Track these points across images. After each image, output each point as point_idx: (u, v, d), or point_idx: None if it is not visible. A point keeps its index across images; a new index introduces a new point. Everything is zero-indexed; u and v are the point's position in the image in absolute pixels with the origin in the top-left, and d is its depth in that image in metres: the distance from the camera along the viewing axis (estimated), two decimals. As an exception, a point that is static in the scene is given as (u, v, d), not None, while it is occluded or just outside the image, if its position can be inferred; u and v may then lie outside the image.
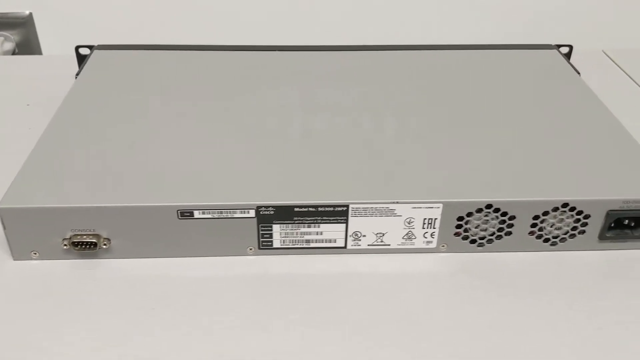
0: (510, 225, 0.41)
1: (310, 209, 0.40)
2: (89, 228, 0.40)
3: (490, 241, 0.42)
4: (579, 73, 0.57)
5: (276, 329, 0.37)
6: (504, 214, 0.41)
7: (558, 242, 0.42)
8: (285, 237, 0.41)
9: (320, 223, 0.41)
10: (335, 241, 0.42)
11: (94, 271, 0.40)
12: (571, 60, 0.66)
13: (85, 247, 0.40)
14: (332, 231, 0.41)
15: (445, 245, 0.42)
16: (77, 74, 0.55)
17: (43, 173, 0.42)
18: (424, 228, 0.41)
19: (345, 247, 0.42)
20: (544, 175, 0.42)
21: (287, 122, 0.48)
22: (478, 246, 0.42)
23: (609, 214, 0.41)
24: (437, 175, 0.42)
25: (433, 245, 0.42)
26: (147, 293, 0.39)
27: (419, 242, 0.42)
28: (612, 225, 0.42)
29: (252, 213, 0.40)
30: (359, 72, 0.56)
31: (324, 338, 0.36)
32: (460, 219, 0.41)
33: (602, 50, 0.74)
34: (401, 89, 0.53)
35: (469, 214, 0.41)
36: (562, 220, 0.41)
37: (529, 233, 0.42)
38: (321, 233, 0.41)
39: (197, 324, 0.37)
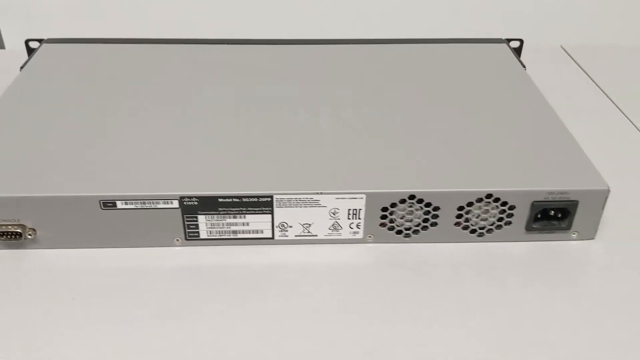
0: (435, 216, 0.41)
1: (235, 200, 0.40)
2: (14, 218, 0.40)
3: (416, 232, 0.42)
4: (524, 67, 0.57)
5: (198, 319, 0.37)
6: (428, 204, 0.41)
7: (485, 233, 0.42)
8: (211, 227, 0.41)
9: (246, 214, 0.41)
10: (262, 232, 0.42)
11: (19, 261, 0.40)
12: (528, 55, 0.66)
13: (10, 237, 0.40)
14: (258, 222, 0.41)
15: (372, 236, 0.42)
16: (22, 67, 0.56)
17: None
18: (349, 219, 0.41)
19: (272, 237, 0.42)
20: (470, 167, 0.42)
21: (215, 114, 0.48)
22: (405, 237, 0.42)
23: (533, 204, 0.41)
24: (362, 166, 0.42)
25: (360, 236, 0.42)
26: (69, 284, 0.39)
27: (345, 233, 0.42)
28: (539, 216, 0.42)
29: (175, 203, 0.40)
30: (304, 65, 0.56)
31: (246, 329, 0.36)
32: (384, 209, 0.41)
33: (561, 46, 0.74)
34: (343, 82, 0.53)
35: (393, 205, 0.41)
36: (487, 211, 0.41)
37: (455, 224, 0.42)
38: (247, 224, 0.41)
39: (116, 315, 0.37)
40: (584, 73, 0.67)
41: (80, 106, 0.49)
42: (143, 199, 0.39)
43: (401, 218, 0.42)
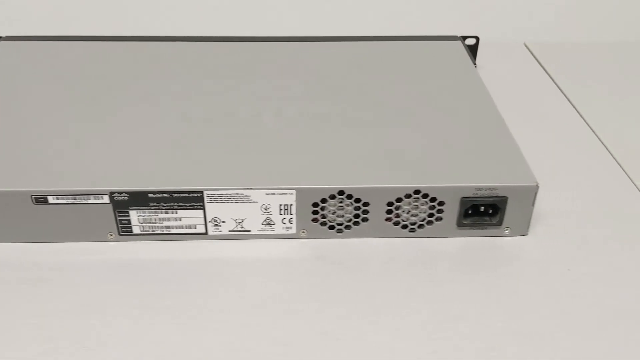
0: (366, 212, 0.42)
1: (165, 195, 0.40)
2: (-55, 213, 0.41)
3: (348, 227, 0.42)
4: (475, 64, 0.58)
5: (122, 313, 0.37)
6: (357, 200, 0.41)
7: (416, 228, 0.43)
8: (144, 223, 0.42)
9: (178, 209, 0.41)
10: (195, 227, 0.42)
11: (-47, 255, 0.41)
12: (490, 52, 0.66)
13: (-55, 231, 0.41)
14: (190, 217, 0.42)
15: (305, 231, 0.43)
16: (-24, 65, 0.56)
17: None
18: (281, 214, 0.42)
19: (206, 233, 0.42)
20: (400, 163, 0.43)
21: (149, 110, 0.49)
22: (337, 232, 0.43)
23: (462, 200, 0.41)
24: (293, 162, 0.43)
25: (293, 231, 0.43)
26: (3, 278, 0.39)
27: (278, 228, 0.42)
28: (470, 212, 0.42)
29: (106, 199, 0.40)
30: (252, 62, 0.56)
31: (169, 323, 0.37)
32: (315, 205, 0.41)
33: (524, 43, 0.75)
34: (291, 79, 0.53)
35: (324, 201, 0.41)
36: (417, 207, 0.42)
37: (386, 220, 0.42)
38: (180, 219, 0.42)
39: (43, 308, 0.37)
40: (543, 71, 0.68)
41: (22, 102, 0.49)
42: (74, 194, 0.40)
43: (332, 213, 0.42)
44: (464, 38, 0.62)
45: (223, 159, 0.43)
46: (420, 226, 0.43)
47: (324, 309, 0.38)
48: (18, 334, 0.36)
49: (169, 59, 0.57)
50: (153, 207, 0.41)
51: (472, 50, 0.63)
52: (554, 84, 0.65)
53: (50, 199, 0.40)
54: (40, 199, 0.40)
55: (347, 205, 0.41)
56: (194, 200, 0.41)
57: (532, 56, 0.71)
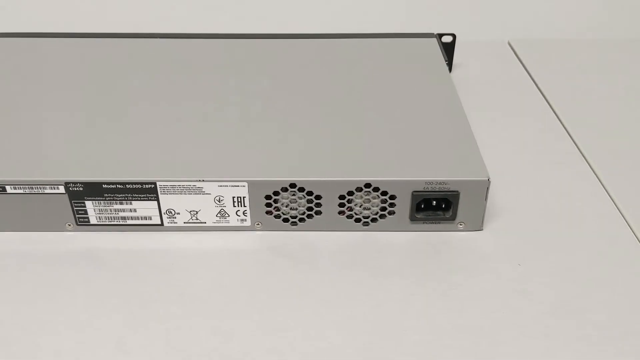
0: (319, 205, 0.42)
1: (119, 186, 0.41)
2: None
3: (302, 220, 0.43)
4: (447, 61, 0.58)
5: (72, 302, 0.38)
6: (310, 193, 0.41)
7: (370, 222, 0.43)
8: (100, 213, 0.42)
9: (132, 200, 0.42)
10: (151, 218, 0.43)
11: None
12: (470, 50, 0.66)
13: None
14: (145, 208, 0.42)
15: (260, 224, 0.43)
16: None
17: None
18: (235, 206, 0.42)
19: (162, 224, 0.43)
20: (352, 157, 0.43)
21: (105, 102, 0.49)
22: (292, 225, 0.43)
23: (413, 194, 0.41)
24: (246, 155, 0.43)
25: (247, 223, 0.43)
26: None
27: (233, 220, 0.43)
28: (423, 206, 0.42)
29: (61, 189, 0.41)
30: (226, 58, 0.57)
31: (120, 312, 0.37)
32: (268, 197, 0.42)
33: (508, 41, 0.74)
34: (259, 74, 0.54)
35: (276, 193, 0.42)
36: (369, 200, 0.42)
37: (339, 213, 0.42)
38: (135, 210, 0.42)
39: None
40: (523, 69, 0.67)
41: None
42: (31, 184, 0.41)
43: (286, 206, 0.42)
44: (441, 35, 0.62)
45: (177, 151, 0.44)
46: (374, 220, 0.43)
47: (269, 300, 0.38)
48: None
49: (141, 54, 0.58)
50: (108, 198, 0.42)
51: (450, 47, 0.63)
52: (532, 82, 0.65)
53: (9, 189, 0.41)
54: (-2, 189, 0.41)
55: (300, 198, 0.42)
56: (147, 191, 0.41)
57: (514, 54, 0.71)
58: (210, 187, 0.41)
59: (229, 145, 0.44)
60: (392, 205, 0.42)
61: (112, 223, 0.43)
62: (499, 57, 0.70)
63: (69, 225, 0.43)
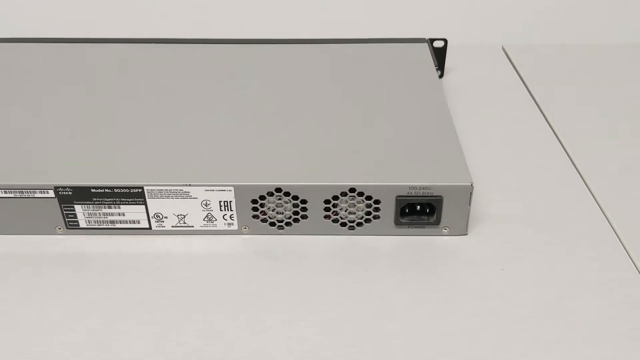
0: (305, 209, 0.42)
1: (107, 190, 0.42)
2: None
3: (289, 224, 0.43)
4: (437, 66, 0.58)
5: (60, 304, 0.39)
6: (295, 197, 0.42)
7: (355, 226, 0.43)
8: (89, 217, 0.43)
9: (120, 204, 0.42)
10: (139, 222, 0.43)
11: None
12: (463, 55, 0.67)
13: None
14: (133, 212, 0.43)
15: (247, 228, 0.44)
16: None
17: None
18: (221, 210, 0.43)
19: (150, 228, 0.44)
20: (337, 162, 0.43)
21: (97, 107, 0.50)
22: (278, 229, 0.43)
23: (397, 199, 0.42)
24: (232, 159, 0.44)
25: (234, 227, 0.44)
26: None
27: (220, 224, 0.43)
28: (407, 210, 0.43)
29: (51, 193, 0.42)
30: (219, 64, 0.58)
31: (106, 315, 0.38)
32: (255, 202, 0.42)
33: (502, 46, 0.75)
34: (247, 81, 0.55)
35: (262, 197, 0.42)
36: (354, 205, 0.42)
37: (325, 217, 0.43)
38: (123, 214, 0.43)
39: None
40: (516, 74, 0.68)
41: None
42: (21, 188, 0.42)
43: (272, 210, 0.43)
44: (432, 40, 0.63)
45: (164, 156, 0.44)
46: (359, 224, 0.43)
47: (256, 303, 0.39)
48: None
49: (125, 59, 0.59)
50: (96, 202, 0.42)
51: (441, 52, 0.64)
52: (524, 87, 0.65)
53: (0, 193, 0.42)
54: (-11, 193, 0.42)
55: (286, 203, 0.42)
56: (135, 195, 0.42)
57: (507, 59, 0.71)
58: (197, 192, 0.42)
59: (216, 150, 0.45)
60: (376, 209, 0.42)
61: (102, 227, 0.43)
62: (492, 62, 0.70)
63: (59, 228, 0.43)
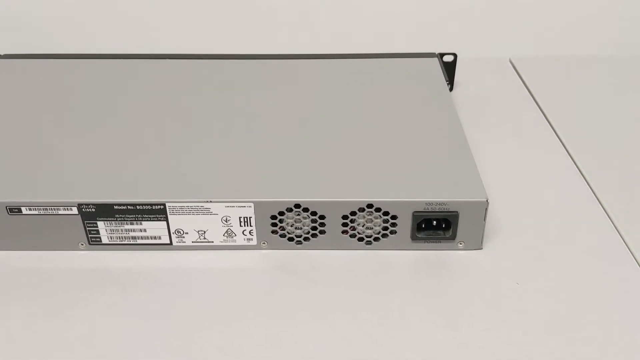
0: (323, 225, 0.43)
1: (129, 207, 0.43)
2: None
3: (307, 239, 0.44)
4: (448, 81, 0.59)
5: (84, 318, 0.39)
6: (314, 213, 0.43)
7: (372, 241, 0.44)
8: (111, 233, 0.44)
9: (142, 221, 0.43)
10: (160, 238, 0.44)
11: None
12: (472, 68, 0.68)
13: None
14: (155, 228, 0.44)
15: (266, 243, 0.44)
16: (-27, 82, 0.60)
17: None
18: (241, 226, 0.44)
19: (171, 243, 0.44)
20: (355, 177, 0.44)
21: (118, 125, 0.51)
22: (297, 244, 0.44)
23: (414, 215, 0.43)
24: (252, 176, 0.45)
25: (254, 242, 0.44)
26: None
27: (240, 240, 0.44)
28: (423, 226, 0.44)
29: (74, 210, 0.43)
30: (229, 79, 0.59)
31: (129, 326, 0.39)
32: (274, 217, 0.43)
33: (509, 59, 0.75)
34: (261, 96, 0.56)
35: (281, 213, 0.43)
36: (371, 220, 0.43)
37: (343, 232, 0.44)
38: (145, 230, 0.44)
39: (15, 312, 0.40)
40: (524, 87, 0.68)
41: (4, 119, 0.52)
42: (45, 206, 0.43)
43: (291, 226, 0.44)
44: (442, 55, 0.64)
45: (185, 172, 0.45)
46: (376, 239, 0.44)
47: (275, 317, 0.39)
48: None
49: (148, 76, 0.60)
50: (119, 219, 0.43)
51: (451, 67, 0.65)
52: (532, 100, 0.66)
53: (24, 210, 0.43)
54: (14, 210, 0.43)
55: (305, 218, 0.43)
56: (157, 212, 0.43)
57: (515, 72, 0.72)
58: (218, 208, 0.43)
59: (235, 167, 0.46)
60: (393, 225, 0.43)
61: (123, 242, 0.44)
62: (500, 75, 0.71)
63: (82, 244, 0.44)
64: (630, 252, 0.44)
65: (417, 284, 0.42)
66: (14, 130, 0.51)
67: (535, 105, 0.65)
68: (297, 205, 0.43)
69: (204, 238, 0.44)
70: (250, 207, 0.43)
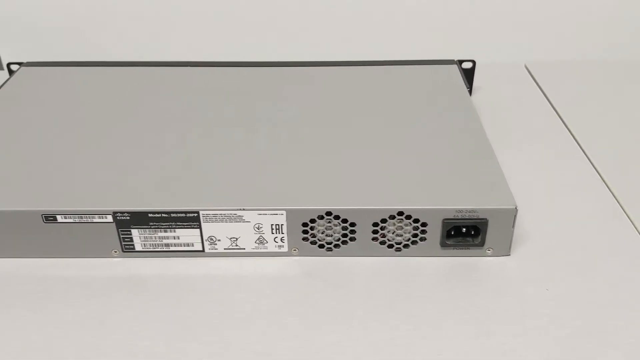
0: (353, 232, 0.44)
1: (164, 215, 0.43)
2: (-34, 229, 0.44)
3: (337, 246, 0.45)
4: (469, 88, 0.60)
5: (121, 324, 0.40)
6: (345, 220, 0.43)
7: (402, 248, 0.45)
8: (145, 240, 0.44)
9: (176, 228, 0.44)
10: (193, 245, 0.45)
11: (-29, 269, 0.45)
12: (488, 74, 0.68)
13: (-37, 246, 0.44)
14: (188, 236, 0.44)
15: (296, 250, 0.45)
16: (-2, 89, 0.60)
17: None
18: (273, 233, 0.44)
19: (203, 250, 0.45)
20: (385, 185, 0.45)
21: (150, 133, 0.52)
22: (327, 250, 0.45)
23: (444, 222, 0.43)
24: (283, 184, 0.45)
25: (285, 249, 0.45)
26: (13, 290, 0.43)
27: (271, 247, 0.45)
28: (452, 233, 0.44)
29: (109, 218, 0.43)
30: (251, 86, 0.60)
31: (161, 332, 0.39)
32: (305, 225, 0.44)
33: (525, 64, 0.76)
34: (284, 103, 0.56)
35: (313, 221, 0.44)
36: (401, 227, 0.44)
37: (373, 239, 0.44)
38: (178, 237, 0.44)
39: (50, 319, 0.40)
40: (540, 92, 0.69)
41: (35, 126, 0.53)
42: (80, 214, 0.43)
43: (322, 233, 0.44)
44: (461, 62, 0.64)
45: (218, 180, 0.46)
46: (406, 246, 0.45)
47: (307, 324, 0.40)
48: (23, 344, 0.39)
49: (173, 83, 0.60)
50: (153, 226, 0.44)
51: (470, 73, 0.65)
52: (549, 105, 0.67)
53: (59, 218, 0.43)
54: (49, 218, 0.43)
55: (335, 226, 0.44)
56: (190, 220, 0.44)
57: (530, 77, 0.73)
58: (250, 216, 0.44)
59: (267, 175, 0.46)
60: (423, 232, 0.44)
61: (156, 250, 0.45)
62: (516, 80, 0.72)
63: (115, 251, 0.45)
64: (656, 257, 0.45)
65: (448, 291, 0.43)
66: (45, 138, 0.51)
67: (553, 110, 0.66)
68: (329, 213, 0.43)
69: (236, 245, 0.45)
70: (283, 214, 0.43)
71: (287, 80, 0.61)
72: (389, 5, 0.81)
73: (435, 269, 0.44)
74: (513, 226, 0.43)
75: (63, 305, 0.42)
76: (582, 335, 0.39)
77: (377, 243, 0.44)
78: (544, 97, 0.68)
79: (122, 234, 0.44)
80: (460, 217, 0.43)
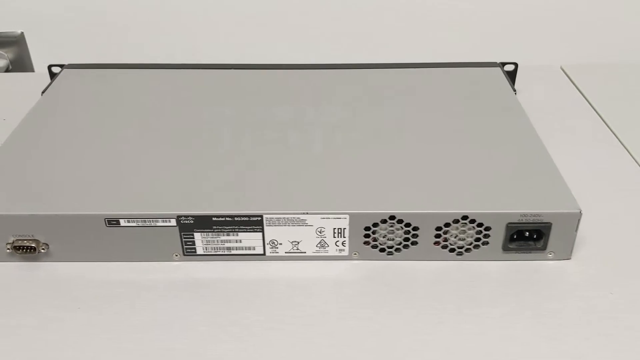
0: (415, 236, 0.44)
1: (227, 219, 0.43)
2: (29, 234, 0.44)
3: (398, 250, 0.45)
4: (515, 90, 0.60)
5: (186, 328, 0.40)
6: (407, 224, 0.44)
7: (463, 252, 0.45)
8: (207, 244, 0.44)
9: (238, 232, 0.44)
10: (254, 249, 0.45)
11: (33, 273, 0.44)
12: (527, 77, 0.68)
13: (25, 250, 0.44)
14: (250, 239, 0.44)
15: (357, 253, 0.45)
16: (43, 91, 0.60)
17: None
18: (334, 237, 0.44)
19: (264, 254, 0.45)
20: (448, 189, 0.45)
21: (212, 137, 0.52)
22: (388, 254, 0.45)
23: (508, 226, 0.43)
24: (346, 188, 0.45)
25: (345, 253, 0.45)
26: (76, 294, 0.43)
27: (332, 250, 0.45)
28: (515, 237, 0.44)
29: (173, 222, 0.43)
30: (301, 89, 0.60)
31: (231, 337, 0.40)
32: (367, 229, 0.44)
33: (560, 67, 0.76)
34: (336, 106, 0.56)
35: (375, 225, 0.44)
36: (464, 231, 0.44)
37: (434, 243, 0.44)
38: (240, 241, 0.44)
39: (115, 322, 0.41)
40: (580, 94, 0.69)
41: (91, 130, 0.53)
42: (144, 218, 0.43)
43: (383, 237, 0.44)
44: (503, 64, 0.64)
45: (281, 184, 0.46)
46: (467, 250, 0.45)
47: (370, 328, 0.40)
48: (90, 347, 0.39)
49: (225, 86, 0.60)
50: (216, 230, 0.44)
51: (511, 76, 0.65)
52: (590, 107, 0.66)
53: (122, 222, 0.43)
54: (112, 222, 0.43)
55: (398, 230, 0.44)
56: (253, 223, 0.44)
57: (568, 79, 0.73)
58: (313, 220, 0.43)
59: (329, 179, 0.46)
60: (486, 236, 0.44)
61: (217, 253, 0.45)
62: (554, 82, 0.72)
63: (176, 255, 0.45)
64: None
65: (512, 294, 0.43)
66: (104, 141, 0.51)
67: (594, 112, 0.66)
68: (392, 217, 0.43)
69: (297, 249, 0.45)
70: (346, 218, 0.43)
71: (333, 82, 0.61)
72: (420, 8, 0.81)
73: (498, 273, 0.44)
74: (576, 230, 0.44)
75: (129, 310, 0.41)
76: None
77: (438, 247, 0.44)
78: (584, 100, 0.68)
79: (185, 238, 0.44)
80: (524, 221, 0.43)
